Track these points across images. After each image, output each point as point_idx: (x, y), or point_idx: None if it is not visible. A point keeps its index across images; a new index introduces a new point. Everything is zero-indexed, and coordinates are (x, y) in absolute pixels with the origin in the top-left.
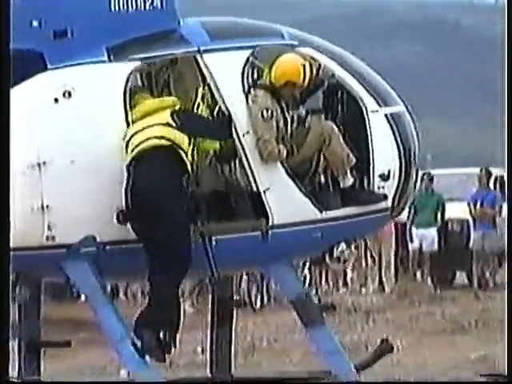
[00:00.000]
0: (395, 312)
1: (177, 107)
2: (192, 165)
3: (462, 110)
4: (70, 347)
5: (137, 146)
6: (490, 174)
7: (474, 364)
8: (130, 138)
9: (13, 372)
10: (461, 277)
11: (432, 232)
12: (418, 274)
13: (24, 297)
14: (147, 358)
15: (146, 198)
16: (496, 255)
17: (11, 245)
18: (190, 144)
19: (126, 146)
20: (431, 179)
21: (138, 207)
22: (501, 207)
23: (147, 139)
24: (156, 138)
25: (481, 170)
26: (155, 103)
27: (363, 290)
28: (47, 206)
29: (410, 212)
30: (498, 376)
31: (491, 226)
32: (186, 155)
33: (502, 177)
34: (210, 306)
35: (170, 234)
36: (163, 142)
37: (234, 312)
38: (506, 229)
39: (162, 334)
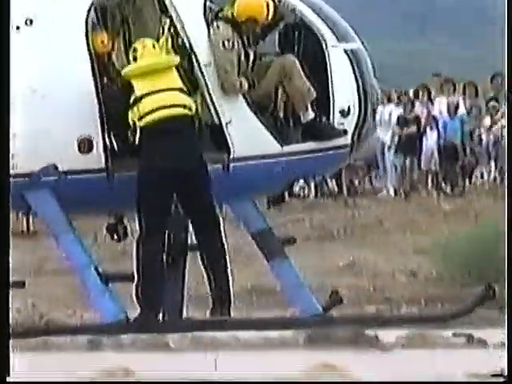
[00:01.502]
0: None
1: (177, 67)
2: None
3: None
4: None
5: (154, 110)
6: None
7: (342, 270)
8: (141, 98)
9: None
10: (330, 184)
11: None
12: None
13: None
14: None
15: (182, 166)
16: (365, 164)
17: None
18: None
19: (134, 104)
20: None
21: (169, 174)
22: None
23: (170, 106)
24: (179, 106)
25: None
26: (159, 62)
27: None
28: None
29: None
30: (497, 376)
31: None
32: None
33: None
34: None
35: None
36: (187, 111)
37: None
38: (506, 226)
39: None
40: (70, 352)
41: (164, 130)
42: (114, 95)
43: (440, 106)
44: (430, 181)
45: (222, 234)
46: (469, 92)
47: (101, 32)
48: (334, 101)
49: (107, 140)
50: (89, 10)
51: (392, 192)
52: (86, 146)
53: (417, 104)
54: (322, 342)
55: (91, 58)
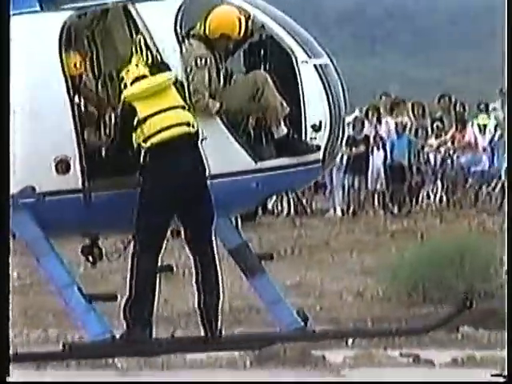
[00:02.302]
0: None
1: (175, 84)
2: None
3: None
4: None
5: (160, 130)
6: None
7: (289, 289)
8: (145, 120)
9: None
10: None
11: None
12: None
13: None
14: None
15: (190, 183)
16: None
17: None
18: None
19: (137, 126)
20: None
21: (174, 193)
22: None
23: (174, 125)
24: (183, 124)
25: None
26: (157, 81)
27: None
28: None
29: None
30: (498, 376)
31: None
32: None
33: None
34: None
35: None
36: (191, 129)
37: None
38: (506, 227)
39: None
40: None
41: (170, 149)
42: (89, 116)
43: (388, 125)
44: (376, 201)
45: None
46: (416, 112)
47: (73, 54)
48: (306, 116)
49: (84, 161)
50: (61, 32)
51: (339, 212)
52: (63, 166)
53: (366, 124)
54: (270, 363)
55: (65, 80)
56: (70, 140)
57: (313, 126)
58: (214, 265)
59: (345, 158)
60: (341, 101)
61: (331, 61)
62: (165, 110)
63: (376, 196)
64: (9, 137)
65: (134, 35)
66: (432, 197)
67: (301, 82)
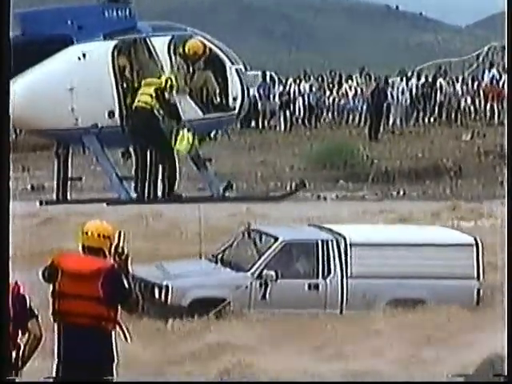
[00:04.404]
0: None
1: (158, 85)
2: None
3: None
4: None
5: (137, 102)
6: None
7: (259, 164)
8: (138, 96)
9: None
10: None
11: None
12: None
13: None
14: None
15: (143, 130)
16: None
17: None
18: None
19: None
20: None
21: (138, 134)
22: None
23: (140, 101)
24: (143, 102)
25: None
26: (149, 81)
27: None
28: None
29: None
30: (498, 376)
31: None
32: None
33: None
34: None
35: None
36: (146, 106)
37: None
38: (506, 228)
39: None
40: None
41: (137, 112)
42: (124, 89)
43: (304, 86)
44: (300, 121)
45: (173, 153)
46: (320, 79)
47: (121, 57)
48: (230, 93)
49: (122, 111)
50: (114, 47)
51: (283, 127)
52: (111, 114)
53: (292, 86)
54: None
55: (114, 69)
56: (114, 101)
57: (234, 98)
58: (173, 160)
59: (278, 101)
60: (246, 85)
61: (244, 66)
62: (140, 94)
63: (300, 119)
64: (9, 136)
65: (147, 54)
66: (327, 119)
67: (228, 76)
